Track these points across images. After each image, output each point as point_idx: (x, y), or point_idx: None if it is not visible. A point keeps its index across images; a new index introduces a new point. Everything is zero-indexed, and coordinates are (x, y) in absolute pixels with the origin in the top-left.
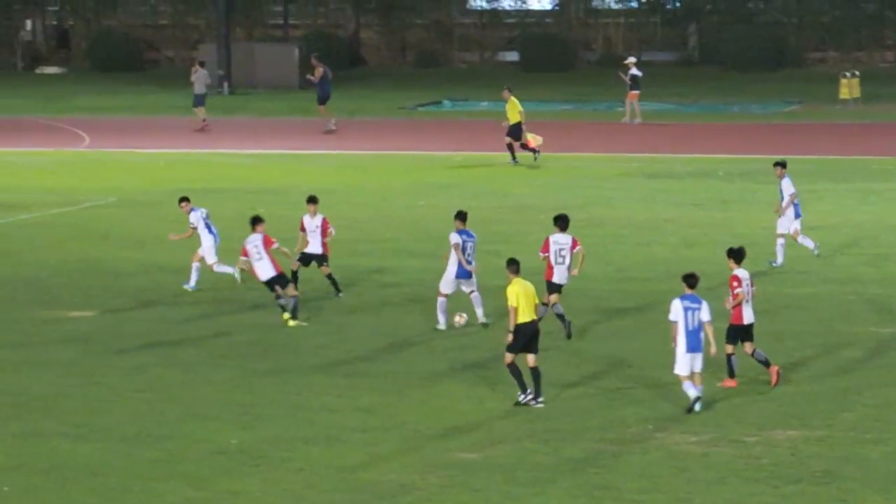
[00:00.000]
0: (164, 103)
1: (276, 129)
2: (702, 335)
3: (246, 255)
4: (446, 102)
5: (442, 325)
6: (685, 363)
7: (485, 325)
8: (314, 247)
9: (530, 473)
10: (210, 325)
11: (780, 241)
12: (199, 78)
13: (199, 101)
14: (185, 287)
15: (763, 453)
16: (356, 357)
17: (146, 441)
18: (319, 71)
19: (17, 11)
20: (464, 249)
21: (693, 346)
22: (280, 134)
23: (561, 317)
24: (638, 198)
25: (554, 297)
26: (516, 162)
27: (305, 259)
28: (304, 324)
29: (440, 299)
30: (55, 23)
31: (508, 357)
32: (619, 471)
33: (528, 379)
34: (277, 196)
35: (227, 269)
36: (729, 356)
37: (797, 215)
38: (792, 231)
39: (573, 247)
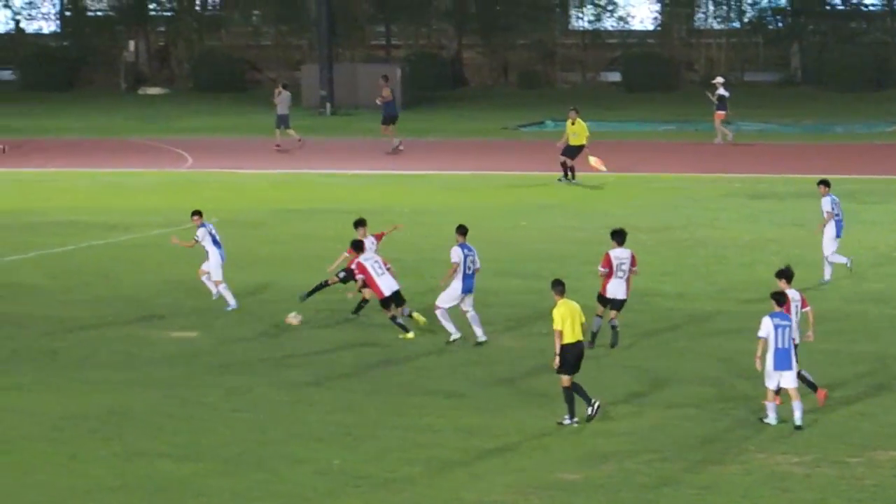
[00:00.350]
0: (267, 124)
1: (377, 150)
2: (792, 353)
3: (363, 271)
4: (549, 123)
5: (455, 334)
6: (774, 379)
7: (479, 344)
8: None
9: (633, 494)
10: (312, 345)
11: (827, 259)
12: (283, 100)
13: (283, 121)
14: (228, 309)
15: (866, 474)
16: (457, 377)
17: (249, 461)
18: (387, 92)
19: (120, 32)
20: (465, 262)
21: (782, 364)
22: (382, 154)
23: (614, 328)
24: (741, 218)
25: (612, 313)
26: (573, 181)
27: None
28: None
29: (439, 311)
30: (159, 44)
31: (565, 380)
32: (722, 491)
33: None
34: (379, 216)
35: (230, 301)
36: (798, 372)
37: (838, 234)
38: (829, 249)
39: (633, 262)
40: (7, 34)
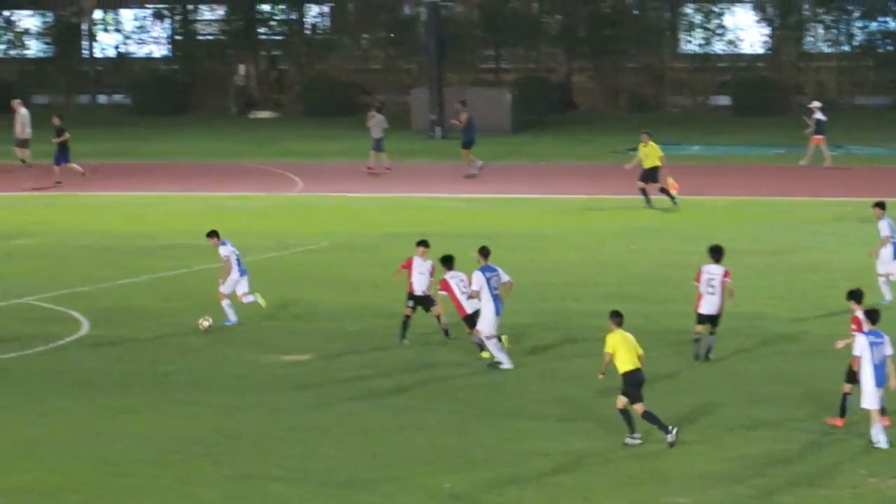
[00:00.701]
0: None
1: (488, 174)
2: (886, 370)
3: (447, 289)
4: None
5: (507, 364)
6: (874, 398)
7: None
8: (420, 289)
9: None
10: (422, 368)
11: (882, 279)
12: (377, 123)
13: (377, 146)
14: (226, 324)
15: None
16: (568, 400)
17: (360, 485)
18: (464, 117)
19: (230, 56)
20: (489, 284)
21: (880, 381)
22: (492, 178)
23: (696, 340)
24: (851, 242)
25: (700, 328)
26: (650, 205)
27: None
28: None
29: (491, 341)
30: (271, 68)
31: (622, 402)
32: None
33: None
34: (490, 240)
35: (231, 317)
36: (844, 395)
37: (895, 257)
38: (883, 271)
39: (724, 278)
40: (118, 58)
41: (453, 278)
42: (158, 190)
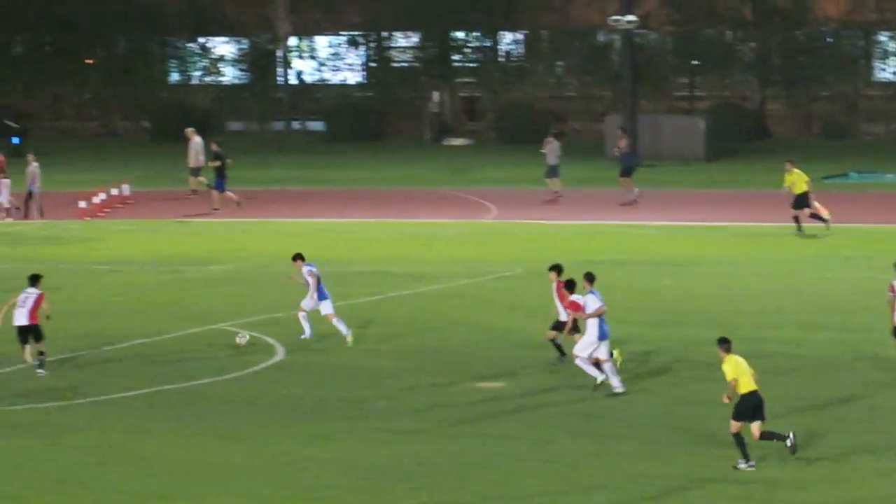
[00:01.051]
0: (570, 175)
1: (682, 201)
2: None
3: (577, 309)
4: (853, 174)
5: (599, 378)
6: None
7: (614, 394)
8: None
9: None
10: (622, 396)
11: None
12: (552, 149)
13: (553, 172)
14: (302, 338)
15: None
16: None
17: None
18: (623, 144)
19: (424, 83)
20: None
21: None
22: (686, 206)
23: None
24: None
25: None
26: (801, 231)
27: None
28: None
29: (579, 361)
30: (464, 95)
31: (734, 426)
32: None
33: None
34: (682, 268)
35: (306, 330)
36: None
37: None
38: None
39: None
40: (314, 85)
41: (580, 300)
42: (353, 217)
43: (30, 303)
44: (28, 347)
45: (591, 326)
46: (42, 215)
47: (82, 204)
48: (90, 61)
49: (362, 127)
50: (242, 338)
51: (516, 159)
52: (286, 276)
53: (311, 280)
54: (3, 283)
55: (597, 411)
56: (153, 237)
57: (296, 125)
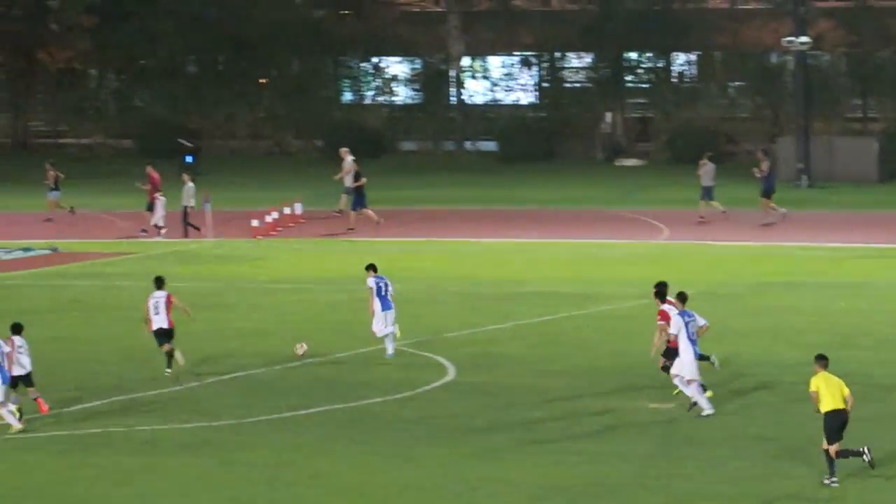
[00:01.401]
0: (740, 196)
1: (854, 223)
2: None
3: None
4: None
5: (708, 410)
6: None
7: (706, 415)
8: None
9: None
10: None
11: None
12: (707, 171)
13: (707, 194)
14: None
15: None
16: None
17: None
18: (765, 165)
19: (597, 104)
20: (687, 329)
21: None
22: (859, 228)
23: None
24: None
25: None
26: None
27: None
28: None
29: (692, 386)
30: (635, 116)
31: (831, 448)
32: None
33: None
34: (856, 290)
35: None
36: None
37: None
38: None
39: None
40: (486, 105)
41: (671, 311)
42: (524, 236)
43: (162, 307)
44: (175, 351)
45: (686, 347)
46: (200, 232)
47: (255, 223)
48: (264, 81)
49: (534, 147)
50: (301, 348)
51: (688, 180)
52: (458, 294)
53: (374, 292)
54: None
55: (767, 434)
56: (325, 256)
57: (468, 145)
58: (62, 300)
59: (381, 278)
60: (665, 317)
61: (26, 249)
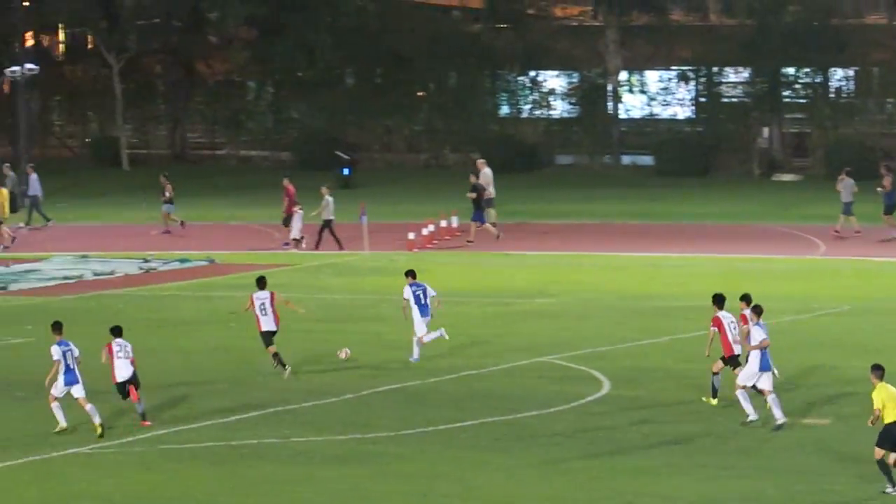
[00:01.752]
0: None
1: None
2: None
3: (719, 326)
4: None
5: (753, 416)
6: None
7: (779, 427)
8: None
9: None
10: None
11: None
12: (846, 187)
13: (847, 209)
14: (411, 360)
15: None
16: None
17: None
18: (888, 181)
19: (754, 119)
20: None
21: None
22: None
23: None
24: None
25: None
26: None
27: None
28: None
29: (741, 391)
30: (792, 131)
31: (879, 452)
32: None
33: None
34: None
35: (434, 335)
36: None
37: None
38: None
39: None
40: (643, 119)
41: (726, 318)
42: (679, 251)
43: (268, 307)
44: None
45: (754, 357)
46: (341, 247)
47: (411, 235)
48: (421, 94)
49: (691, 161)
50: (344, 352)
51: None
52: (613, 308)
53: (411, 300)
54: (333, 311)
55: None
56: (480, 269)
57: (625, 159)
58: (219, 311)
59: (420, 285)
60: (717, 322)
61: (183, 261)
